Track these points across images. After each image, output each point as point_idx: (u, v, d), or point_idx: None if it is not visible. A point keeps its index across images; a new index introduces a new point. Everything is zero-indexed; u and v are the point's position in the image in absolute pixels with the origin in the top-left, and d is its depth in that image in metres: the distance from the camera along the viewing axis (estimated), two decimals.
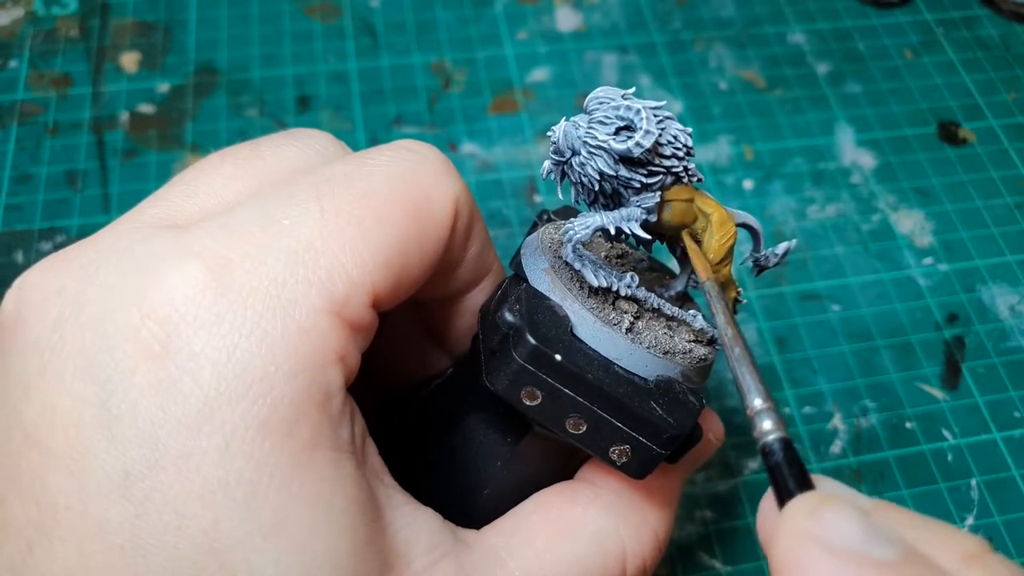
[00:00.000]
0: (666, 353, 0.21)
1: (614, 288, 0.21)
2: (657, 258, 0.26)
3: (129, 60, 0.45)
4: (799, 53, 0.47)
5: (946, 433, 0.35)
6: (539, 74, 0.46)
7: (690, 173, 0.21)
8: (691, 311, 0.22)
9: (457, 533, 0.21)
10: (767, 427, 0.17)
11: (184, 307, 0.17)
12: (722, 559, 0.32)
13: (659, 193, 0.20)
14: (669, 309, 0.22)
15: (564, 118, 0.20)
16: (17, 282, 0.19)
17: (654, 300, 0.22)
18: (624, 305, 0.21)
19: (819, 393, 0.36)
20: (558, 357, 0.19)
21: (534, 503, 0.22)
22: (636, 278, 0.21)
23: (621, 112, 0.19)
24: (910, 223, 0.41)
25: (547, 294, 0.21)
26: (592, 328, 0.21)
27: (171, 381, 0.17)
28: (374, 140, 0.42)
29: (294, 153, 0.22)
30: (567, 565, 0.21)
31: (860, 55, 0.47)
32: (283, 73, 0.45)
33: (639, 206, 0.20)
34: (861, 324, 0.38)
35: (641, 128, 0.19)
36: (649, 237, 0.21)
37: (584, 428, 0.20)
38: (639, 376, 0.21)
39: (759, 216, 0.41)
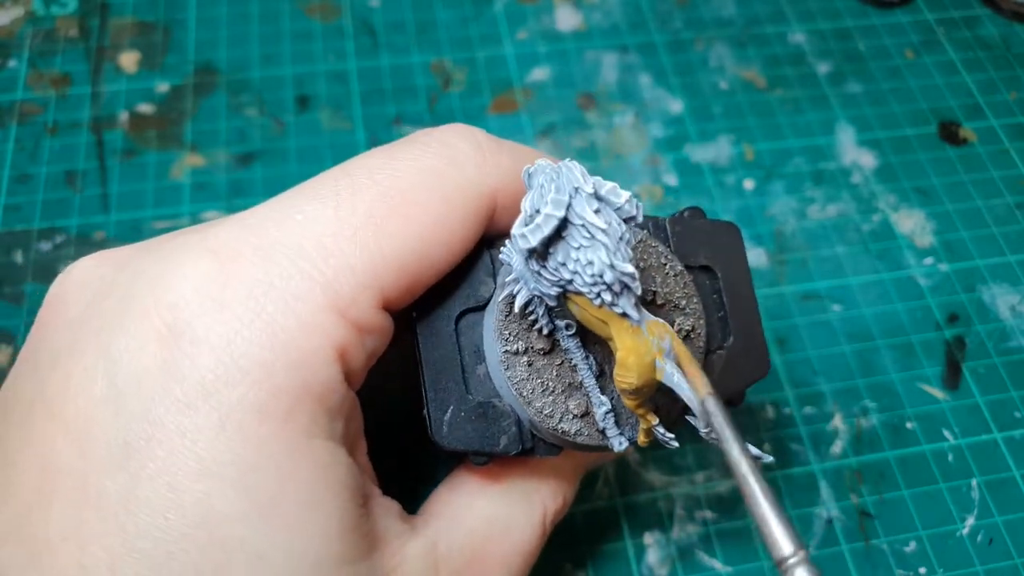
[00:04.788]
0: (521, 395, 0.21)
1: (536, 324, 0.21)
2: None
3: (128, 60, 0.45)
4: (800, 53, 0.47)
5: (947, 433, 0.35)
6: (539, 73, 0.46)
7: (606, 304, 0.18)
8: (605, 399, 0.21)
9: (416, 519, 0.22)
10: None
11: (191, 295, 0.18)
12: (722, 559, 0.32)
13: (557, 288, 0.19)
14: (586, 377, 0.21)
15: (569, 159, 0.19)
16: (68, 267, 0.21)
17: (578, 359, 0.21)
18: (536, 337, 0.21)
19: (819, 393, 0.36)
20: (413, 313, 0.21)
21: (471, 469, 0.24)
22: (572, 327, 0.20)
23: (553, 196, 0.17)
24: (911, 223, 0.41)
25: (497, 271, 0.22)
26: (488, 323, 0.21)
27: (173, 362, 0.17)
28: (374, 140, 0.42)
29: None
30: (505, 515, 0.23)
31: (860, 55, 0.47)
32: (283, 73, 0.45)
33: (540, 285, 0.19)
34: (861, 324, 0.38)
35: (525, 231, 0.17)
36: (505, 309, 0.20)
37: (418, 370, 0.22)
38: (494, 387, 0.21)
39: (759, 216, 0.41)
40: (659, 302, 0.22)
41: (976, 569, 0.32)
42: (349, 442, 0.20)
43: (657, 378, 0.19)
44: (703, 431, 0.20)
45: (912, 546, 0.32)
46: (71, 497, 0.17)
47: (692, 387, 0.18)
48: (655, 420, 0.21)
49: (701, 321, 0.22)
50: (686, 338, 0.22)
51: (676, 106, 0.45)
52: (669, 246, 0.23)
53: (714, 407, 0.18)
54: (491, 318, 0.21)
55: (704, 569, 0.32)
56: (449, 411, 0.21)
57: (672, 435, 0.21)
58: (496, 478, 0.24)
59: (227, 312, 0.18)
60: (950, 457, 0.34)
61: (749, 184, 0.42)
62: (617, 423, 0.21)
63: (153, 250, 0.20)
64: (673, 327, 0.22)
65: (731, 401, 0.23)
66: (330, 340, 0.18)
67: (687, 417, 0.20)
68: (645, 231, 0.23)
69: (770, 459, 0.21)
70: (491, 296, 0.21)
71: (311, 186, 0.20)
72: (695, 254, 0.23)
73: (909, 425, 0.35)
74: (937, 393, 0.36)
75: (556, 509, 0.25)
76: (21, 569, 0.17)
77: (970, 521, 0.33)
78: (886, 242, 0.40)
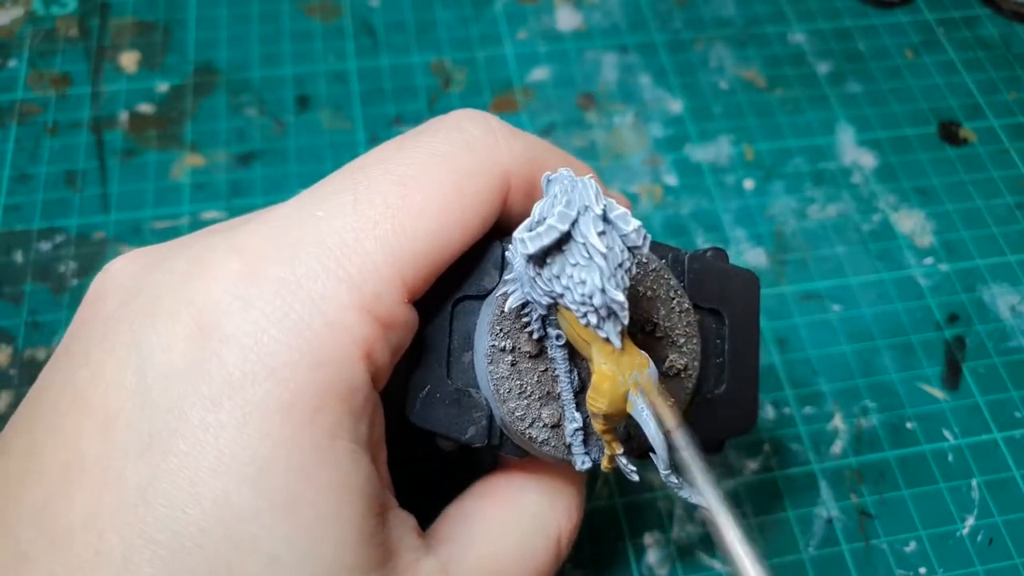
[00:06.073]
0: (498, 392, 0.21)
1: (528, 327, 0.21)
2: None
3: (128, 60, 0.45)
4: (799, 53, 0.47)
5: (947, 433, 0.35)
6: (539, 73, 0.46)
7: (591, 326, 0.18)
8: (579, 416, 0.21)
9: (428, 537, 0.22)
10: None
11: (219, 295, 0.18)
12: (722, 559, 0.32)
13: (548, 298, 0.19)
14: (564, 390, 0.21)
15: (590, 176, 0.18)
16: (106, 265, 0.21)
17: (561, 371, 0.21)
18: (526, 339, 0.21)
19: (819, 393, 0.36)
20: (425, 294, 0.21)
21: (482, 490, 0.24)
22: (562, 338, 0.20)
23: (561, 209, 0.17)
24: (911, 223, 0.41)
25: (505, 265, 0.21)
26: (484, 314, 0.21)
27: (201, 359, 0.18)
28: (374, 140, 0.42)
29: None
30: (518, 539, 0.23)
31: (860, 55, 0.47)
32: (283, 73, 0.45)
33: (533, 291, 0.19)
34: (861, 324, 0.38)
35: (526, 236, 0.17)
36: (502, 304, 0.20)
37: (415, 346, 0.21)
38: (475, 378, 0.21)
39: (759, 216, 0.41)
40: (658, 334, 0.22)
41: (976, 569, 0.32)
42: (372, 446, 0.20)
43: (627, 410, 0.19)
44: (663, 472, 0.20)
45: (912, 546, 0.32)
46: (94, 486, 0.17)
47: (659, 420, 0.18)
48: (619, 449, 0.21)
49: (696, 363, 0.22)
50: (676, 376, 0.22)
51: (676, 106, 0.45)
52: (683, 281, 0.23)
53: (682, 442, 0.18)
54: (488, 310, 0.21)
55: (704, 569, 0.32)
56: (425, 390, 0.21)
57: (634, 468, 0.21)
58: (509, 499, 0.24)
59: (255, 311, 0.18)
60: (950, 457, 0.34)
61: (749, 184, 0.42)
62: (585, 442, 0.21)
63: (183, 250, 0.20)
64: (665, 363, 0.22)
65: (709, 448, 0.23)
66: (356, 338, 0.18)
67: (651, 455, 0.20)
68: (663, 261, 0.22)
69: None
70: (493, 288, 0.21)
71: (328, 182, 0.20)
72: (708, 295, 0.23)
73: (909, 425, 0.35)
74: (937, 393, 0.36)
75: (571, 529, 0.24)
76: (39, 553, 0.17)
77: (970, 521, 0.33)
78: (886, 242, 0.40)
